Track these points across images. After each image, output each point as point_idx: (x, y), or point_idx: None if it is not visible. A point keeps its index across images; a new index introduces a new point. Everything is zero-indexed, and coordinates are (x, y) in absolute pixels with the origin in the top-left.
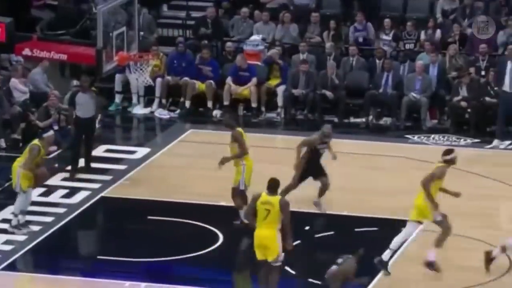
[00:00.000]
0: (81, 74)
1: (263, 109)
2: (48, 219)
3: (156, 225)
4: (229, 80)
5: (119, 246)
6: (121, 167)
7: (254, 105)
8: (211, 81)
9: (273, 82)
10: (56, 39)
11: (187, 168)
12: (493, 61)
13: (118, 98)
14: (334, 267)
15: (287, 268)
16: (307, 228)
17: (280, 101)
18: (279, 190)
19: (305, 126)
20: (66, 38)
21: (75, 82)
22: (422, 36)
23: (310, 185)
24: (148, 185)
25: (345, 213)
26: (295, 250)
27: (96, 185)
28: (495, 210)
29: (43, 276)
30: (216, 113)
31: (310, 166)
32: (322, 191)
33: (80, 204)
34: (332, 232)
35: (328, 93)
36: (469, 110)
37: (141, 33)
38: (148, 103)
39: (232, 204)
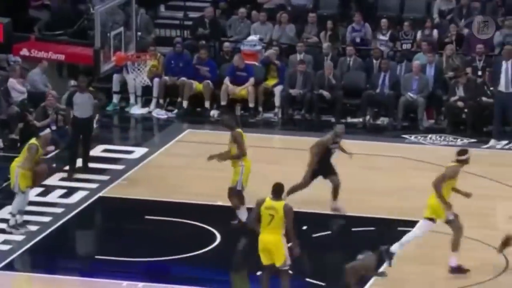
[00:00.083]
0: (79, 74)
1: (260, 109)
2: (46, 219)
3: (154, 225)
4: (226, 80)
5: (117, 246)
6: (119, 167)
7: (251, 105)
8: (209, 81)
9: (270, 82)
10: (54, 39)
11: (185, 168)
12: (489, 61)
13: (115, 98)
14: (354, 261)
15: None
16: (304, 228)
17: (277, 101)
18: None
19: (302, 126)
20: (64, 39)
21: (72, 82)
22: (419, 36)
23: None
24: (146, 185)
25: (341, 212)
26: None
27: (93, 185)
28: (492, 210)
29: (41, 276)
30: (214, 113)
31: (321, 165)
32: (335, 191)
33: (78, 204)
34: (329, 232)
35: (325, 93)
36: (465, 110)
37: (139, 33)
38: (146, 103)
39: (229, 204)
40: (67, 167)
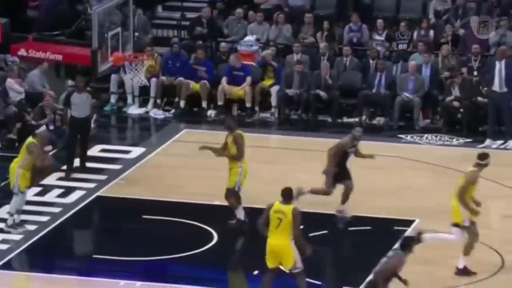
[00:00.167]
0: (76, 75)
1: (257, 109)
2: (44, 218)
3: (151, 224)
4: (223, 80)
5: (114, 245)
6: (116, 166)
7: (248, 105)
8: (205, 81)
9: (267, 82)
10: (51, 39)
11: (182, 167)
12: (485, 62)
13: (113, 98)
14: (379, 266)
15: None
16: (301, 227)
17: (274, 101)
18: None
19: (299, 126)
20: (62, 39)
21: (70, 82)
22: (415, 36)
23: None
24: (143, 185)
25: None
26: None
27: (91, 185)
28: (487, 209)
29: (39, 275)
30: (211, 113)
31: (340, 169)
32: (346, 195)
33: (76, 203)
34: (325, 231)
35: (322, 93)
36: (461, 110)
37: (136, 33)
38: (143, 103)
39: (226, 203)
40: (64, 167)
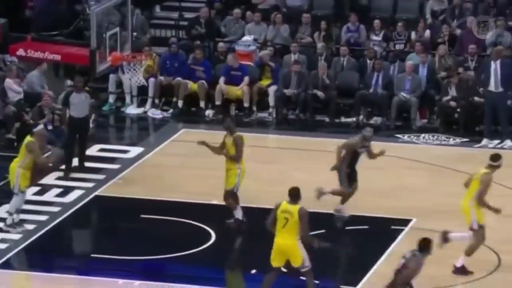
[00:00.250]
0: (75, 75)
1: (254, 108)
2: (43, 217)
3: (149, 223)
4: (221, 80)
5: (112, 245)
6: (115, 166)
7: (246, 104)
8: (203, 81)
9: (264, 82)
10: (50, 39)
11: (180, 167)
12: (482, 61)
13: (111, 98)
14: (398, 268)
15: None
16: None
17: (271, 101)
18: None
19: (296, 125)
20: (60, 39)
21: (69, 82)
22: (413, 36)
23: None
24: (141, 184)
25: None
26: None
27: (89, 184)
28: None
29: (37, 274)
30: (209, 112)
31: (349, 170)
32: (348, 196)
33: (74, 203)
34: (323, 231)
35: (319, 93)
36: (458, 109)
37: (134, 33)
38: (141, 103)
39: (223, 203)
40: (63, 166)
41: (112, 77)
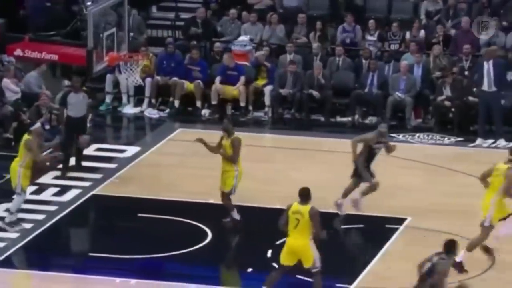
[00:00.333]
0: (73, 75)
1: (250, 108)
2: (40, 216)
3: (146, 222)
4: (217, 80)
5: (110, 243)
6: (112, 165)
7: (242, 104)
8: (199, 81)
9: (260, 82)
10: (47, 40)
11: (176, 166)
12: (476, 61)
13: (108, 98)
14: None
15: (274, 264)
16: None
17: (267, 100)
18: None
19: (292, 125)
20: (57, 39)
21: (66, 82)
22: (407, 36)
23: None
24: (138, 183)
25: (331, 210)
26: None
27: (87, 183)
28: (478, 207)
29: (35, 273)
30: (205, 112)
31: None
32: (350, 191)
33: (71, 202)
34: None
35: (315, 93)
36: (452, 109)
37: (131, 34)
38: (138, 103)
39: (220, 201)
40: (60, 166)
41: (109, 77)
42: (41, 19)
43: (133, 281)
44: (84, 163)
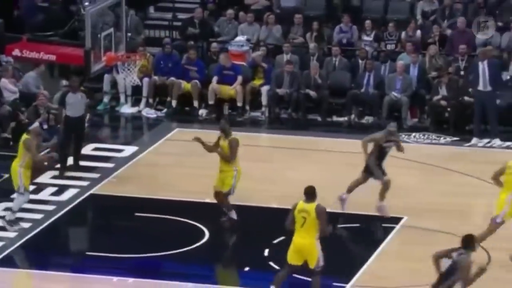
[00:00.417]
0: (71, 75)
1: (247, 108)
2: (38, 216)
3: (144, 221)
4: (213, 79)
5: (107, 243)
6: (109, 165)
7: (239, 104)
8: (197, 81)
9: (257, 82)
10: (45, 40)
11: (174, 166)
12: (472, 61)
13: (106, 98)
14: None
15: (271, 263)
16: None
17: (264, 100)
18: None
19: (289, 125)
20: (55, 39)
21: (64, 82)
22: (403, 36)
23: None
24: (136, 183)
25: (328, 210)
26: (281, 246)
27: (84, 183)
28: (473, 206)
29: (33, 272)
30: (202, 112)
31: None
32: (355, 186)
33: (69, 201)
34: None
35: (312, 93)
36: (448, 109)
37: (129, 34)
38: (136, 103)
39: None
40: (58, 165)
41: (106, 77)
42: (35, 19)
43: (130, 280)
44: (82, 163)
